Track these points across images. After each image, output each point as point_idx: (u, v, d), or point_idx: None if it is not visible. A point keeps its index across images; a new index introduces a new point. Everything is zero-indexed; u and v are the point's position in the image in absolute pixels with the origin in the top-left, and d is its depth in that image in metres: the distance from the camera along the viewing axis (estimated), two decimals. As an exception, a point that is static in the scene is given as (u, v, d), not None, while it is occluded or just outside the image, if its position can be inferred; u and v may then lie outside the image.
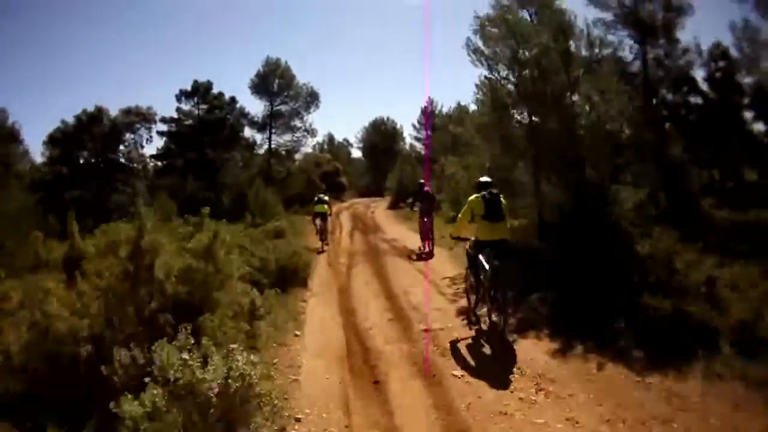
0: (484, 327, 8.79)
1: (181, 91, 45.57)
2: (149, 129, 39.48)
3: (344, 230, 26.99)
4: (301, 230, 25.46)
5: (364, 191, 67.81)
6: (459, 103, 49.90)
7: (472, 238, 8.68)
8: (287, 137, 47.77)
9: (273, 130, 46.54)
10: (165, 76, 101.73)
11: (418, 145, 71.01)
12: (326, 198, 20.60)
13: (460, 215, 8.69)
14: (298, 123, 47.45)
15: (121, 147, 40.43)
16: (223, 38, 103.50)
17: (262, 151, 48.11)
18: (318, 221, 19.73)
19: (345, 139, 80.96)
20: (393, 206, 38.69)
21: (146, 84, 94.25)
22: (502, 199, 8.43)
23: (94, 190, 34.37)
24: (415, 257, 16.51)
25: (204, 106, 45.57)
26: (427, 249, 16.71)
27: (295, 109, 46.54)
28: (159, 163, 45.91)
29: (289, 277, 13.07)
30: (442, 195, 27.06)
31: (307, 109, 47.00)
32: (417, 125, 71.55)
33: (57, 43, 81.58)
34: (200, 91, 45.68)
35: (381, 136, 75.54)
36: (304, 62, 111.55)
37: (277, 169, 46.94)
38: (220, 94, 46.20)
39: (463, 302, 10.11)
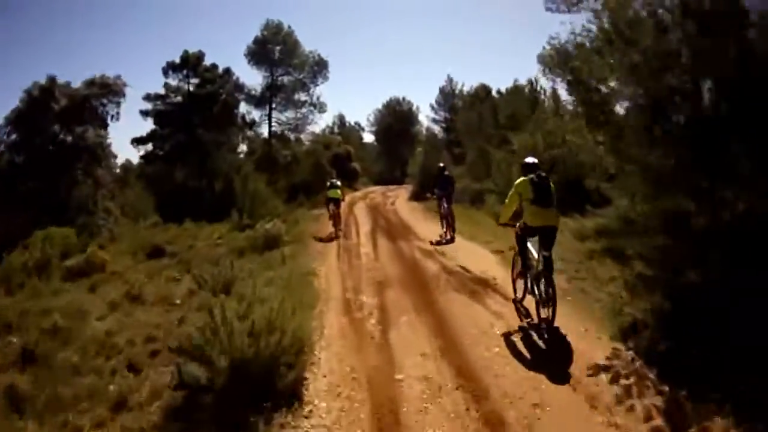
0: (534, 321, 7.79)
1: (168, 63, 37.89)
2: (118, 104, 31.72)
3: (362, 230, 19.91)
4: (305, 234, 18.76)
5: (378, 178, 61.34)
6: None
7: (519, 224, 7.90)
8: (290, 114, 39.81)
9: (274, 106, 38.49)
10: (152, 48, 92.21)
11: (436, 128, 64.30)
12: (339, 183, 20.23)
13: (506, 200, 7.98)
14: (302, 97, 39.54)
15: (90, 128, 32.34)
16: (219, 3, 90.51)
17: (264, 132, 40.36)
18: (331, 206, 19.12)
19: (356, 123, 73.88)
20: (417, 197, 31.40)
21: (132, 60, 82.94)
22: (551, 182, 7.66)
23: (50, 182, 26.99)
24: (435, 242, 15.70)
25: (195, 81, 38.17)
26: (448, 236, 16.12)
27: (300, 81, 38.41)
28: (143, 149, 38.58)
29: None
30: (490, 185, 23.22)
31: (313, 81, 38.97)
32: (435, 106, 63.99)
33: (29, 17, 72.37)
34: (190, 62, 38.12)
35: (396, 118, 68.11)
36: (308, 37, 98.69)
37: (282, 153, 39.35)
38: (213, 66, 38.73)
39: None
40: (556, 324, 7.38)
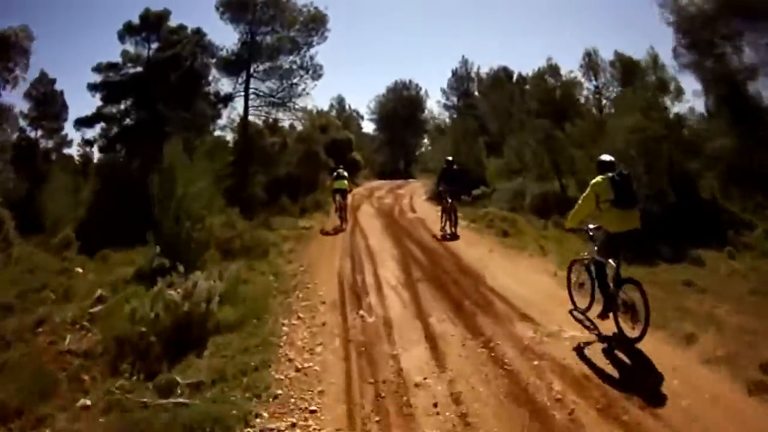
0: (608, 333, 6.81)
1: (125, 26, 28.24)
2: (25, 67, 21.97)
3: (384, 276, 10.58)
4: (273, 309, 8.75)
5: (381, 171, 52.25)
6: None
7: (592, 227, 7.25)
8: (273, 84, 29.13)
9: (252, 73, 27.95)
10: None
11: (446, 115, 55.16)
12: (345, 173, 18.69)
13: (580, 201, 6.99)
14: (291, 63, 28.93)
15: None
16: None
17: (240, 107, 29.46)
18: (338, 198, 18.14)
19: (355, 110, 63.28)
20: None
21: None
22: (632, 181, 6.94)
23: None
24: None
25: (157, 45, 28.32)
26: (450, 231, 15.22)
27: (289, 38, 27.77)
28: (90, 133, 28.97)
29: None
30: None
31: (307, 41, 28.43)
32: (447, 90, 54.55)
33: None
34: (151, 23, 28.42)
35: (402, 103, 58.31)
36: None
37: (266, 137, 29.50)
38: (181, 27, 28.71)
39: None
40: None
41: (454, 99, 54.50)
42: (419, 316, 7.82)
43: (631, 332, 6.38)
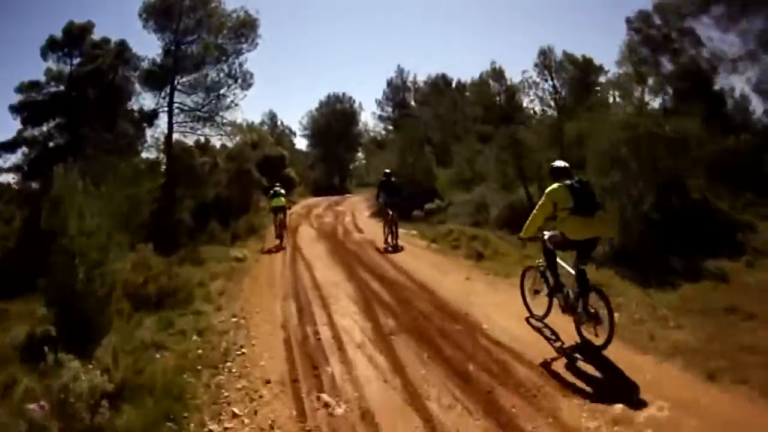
0: (571, 342, 6.50)
1: (48, 41, 25.30)
2: None
3: (341, 314, 8.75)
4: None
5: (316, 187, 49.49)
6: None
7: (547, 234, 6.88)
8: (199, 97, 26.14)
9: (177, 86, 25.11)
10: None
11: (381, 127, 54.68)
12: (282, 191, 18.48)
13: (535, 211, 6.70)
14: (218, 71, 26.27)
15: None
16: None
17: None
18: (279, 216, 17.77)
19: (287, 127, 61.11)
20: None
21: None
22: (592, 188, 6.70)
23: None
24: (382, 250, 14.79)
25: (79, 60, 25.44)
26: (392, 242, 15.11)
27: (218, 47, 24.95)
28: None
29: None
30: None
31: (236, 48, 25.71)
32: (383, 100, 52.92)
33: None
34: (74, 36, 25.51)
35: (335, 117, 56.28)
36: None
37: (198, 159, 26.83)
38: (104, 41, 25.94)
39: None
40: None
41: (389, 110, 52.98)
42: (411, 398, 5.39)
43: (595, 339, 6.21)
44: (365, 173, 63.04)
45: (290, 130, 59.52)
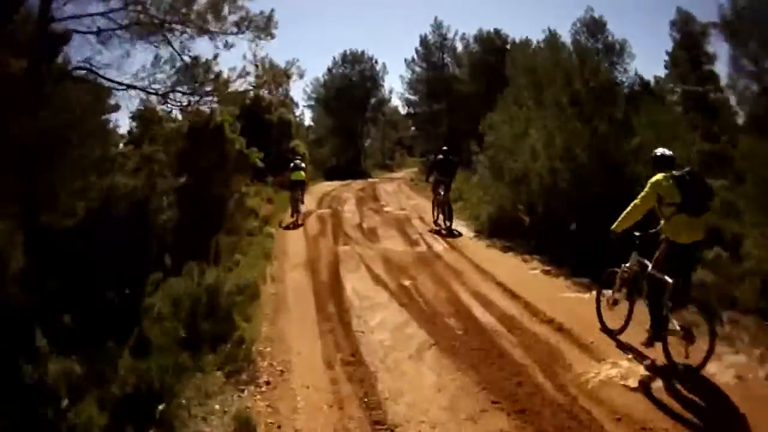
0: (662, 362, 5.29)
1: None
2: None
3: None
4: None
5: (330, 168, 37.06)
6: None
7: (638, 234, 5.82)
8: None
9: None
10: None
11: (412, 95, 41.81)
12: (303, 165, 16.86)
13: (637, 201, 5.50)
14: None
15: None
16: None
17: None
18: (298, 192, 15.57)
19: (289, 97, 46.34)
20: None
21: None
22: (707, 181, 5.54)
23: None
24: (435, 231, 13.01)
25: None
26: (446, 224, 13.47)
27: None
28: None
29: None
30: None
31: None
32: (417, 60, 40.26)
33: None
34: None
35: (352, 80, 43.25)
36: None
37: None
38: None
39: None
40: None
41: (422, 71, 40.18)
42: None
43: (684, 359, 5.06)
44: (382, 151, 50.16)
45: (292, 99, 45.36)
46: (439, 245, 11.38)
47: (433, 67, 39.60)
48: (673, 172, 5.30)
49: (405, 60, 40.96)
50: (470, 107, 36.72)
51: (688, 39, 29.20)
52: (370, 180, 32.29)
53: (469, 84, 35.22)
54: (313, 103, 45.14)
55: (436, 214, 14.02)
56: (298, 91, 61.26)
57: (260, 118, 24.94)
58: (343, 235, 12.64)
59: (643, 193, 5.42)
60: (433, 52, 39.69)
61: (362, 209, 17.27)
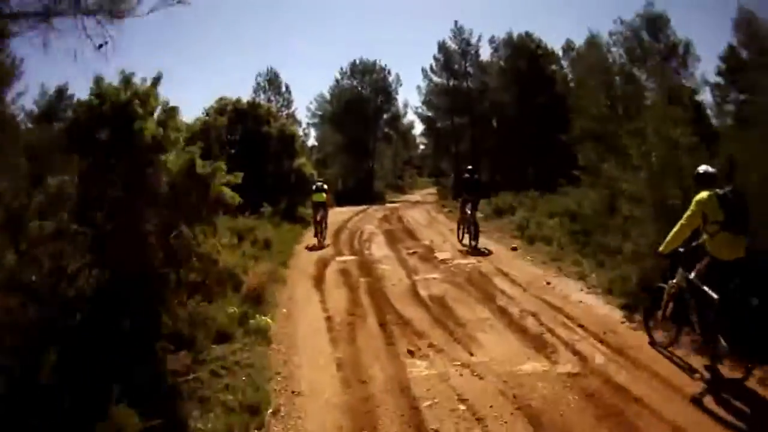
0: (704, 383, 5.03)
1: None
2: None
3: None
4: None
5: (339, 191, 31.65)
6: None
7: (682, 250, 5.58)
8: None
9: None
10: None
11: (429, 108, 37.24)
12: (325, 186, 15.58)
13: (683, 221, 5.43)
14: None
15: None
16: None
17: None
18: (320, 212, 14.74)
19: (290, 115, 40.37)
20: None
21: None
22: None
23: None
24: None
25: None
26: (472, 244, 12.42)
27: None
28: None
29: None
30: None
31: None
32: (434, 70, 34.68)
33: None
34: None
35: (363, 92, 37.80)
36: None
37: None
38: None
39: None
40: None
41: (443, 81, 34.71)
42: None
43: (729, 373, 5.20)
44: (392, 170, 44.47)
45: (294, 117, 39.67)
46: (597, 354, 5.67)
47: (454, 75, 34.44)
48: (717, 190, 5.24)
49: (422, 69, 35.92)
50: (501, 119, 31.74)
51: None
52: (388, 205, 28.06)
53: (501, 93, 30.06)
54: (317, 120, 40.04)
55: (461, 233, 13.35)
56: (301, 108, 56.18)
57: (255, 130, 19.45)
58: (396, 322, 6.82)
59: (688, 212, 5.38)
60: (454, 59, 34.56)
61: (401, 254, 11.68)
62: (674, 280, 5.72)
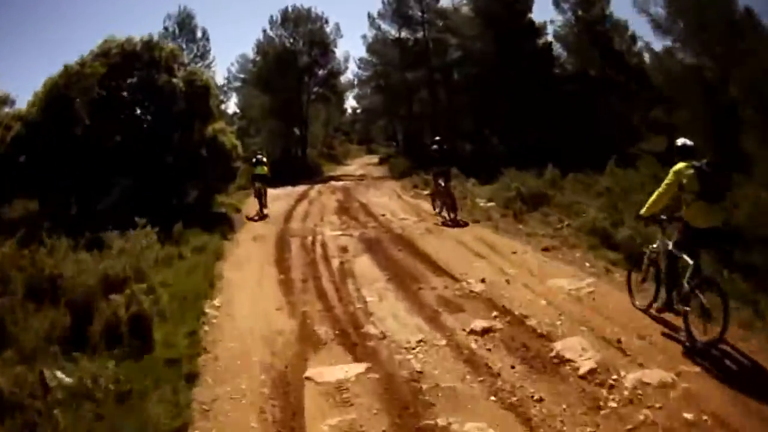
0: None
1: None
2: None
3: None
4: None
5: (271, 165, 23.24)
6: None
7: (664, 217, 5.85)
8: None
9: None
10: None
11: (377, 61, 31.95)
12: (265, 159, 15.48)
13: (661, 189, 5.60)
14: None
15: None
16: None
17: None
18: (257, 184, 14.99)
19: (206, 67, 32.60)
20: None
21: None
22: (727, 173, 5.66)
23: None
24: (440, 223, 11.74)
25: None
26: (450, 216, 12.13)
27: None
28: None
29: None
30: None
31: None
32: (383, 17, 29.36)
33: None
34: None
35: (295, 47, 31.75)
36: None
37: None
38: None
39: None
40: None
41: (393, 30, 29.85)
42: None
43: (702, 336, 5.16)
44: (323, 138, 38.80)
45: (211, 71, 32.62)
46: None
47: (407, 23, 28.42)
48: (694, 162, 5.37)
49: (368, 15, 30.54)
50: (477, 74, 26.03)
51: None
52: (333, 183, 22.78)
53: (473, 42, 24.49)
54: (239, 84, 33.44)
55: (439, 205, 12.90)
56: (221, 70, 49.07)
57: (149, 82, 13.07)
58: None
59: (666, 180, 5.54)
60: (407, 3, 28.43)
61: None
62: (654, 246, 5.99)
